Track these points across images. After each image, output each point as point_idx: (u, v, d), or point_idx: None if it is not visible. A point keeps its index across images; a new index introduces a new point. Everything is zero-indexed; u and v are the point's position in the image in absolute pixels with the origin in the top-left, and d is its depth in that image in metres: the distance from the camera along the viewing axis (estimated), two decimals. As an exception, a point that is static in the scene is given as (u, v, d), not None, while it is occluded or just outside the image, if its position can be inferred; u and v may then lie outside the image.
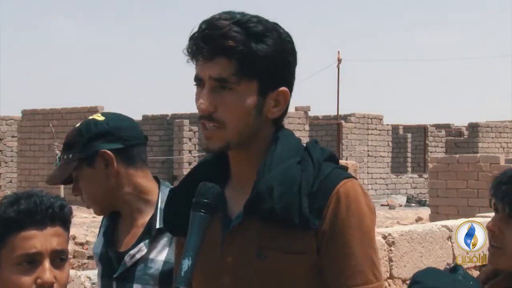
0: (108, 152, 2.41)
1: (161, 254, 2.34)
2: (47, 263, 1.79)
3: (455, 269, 2.15)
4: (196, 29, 1.74)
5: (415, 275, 2.16)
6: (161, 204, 2.38)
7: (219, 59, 1.70)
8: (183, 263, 1.62)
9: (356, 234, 1.71)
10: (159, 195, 2.42)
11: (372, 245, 1.73)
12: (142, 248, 2.36)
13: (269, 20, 1.77)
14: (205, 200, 1.67)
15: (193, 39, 1.74)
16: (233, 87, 1.72)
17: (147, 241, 2.36)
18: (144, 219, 2.41)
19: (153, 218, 2.39)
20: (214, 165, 1.85)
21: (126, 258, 2.36)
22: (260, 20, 1.74)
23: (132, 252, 2.36)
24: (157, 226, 2.36)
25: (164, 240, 2.36)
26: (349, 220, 1.71)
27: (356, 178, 1.78)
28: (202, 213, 1.67)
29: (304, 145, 1.81)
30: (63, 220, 1.85)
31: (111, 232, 2.45)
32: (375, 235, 1.83)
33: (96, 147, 2.40)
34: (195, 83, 1.76)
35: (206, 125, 1.74)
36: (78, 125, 2.48)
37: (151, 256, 2.35)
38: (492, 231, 2.07)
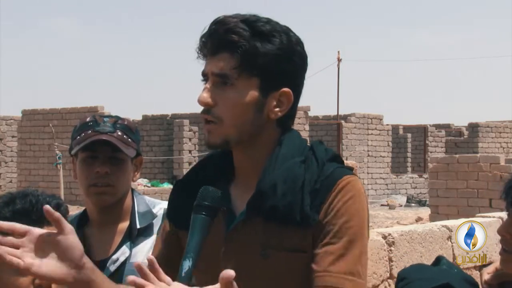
0: (142, 159, 2.50)
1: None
2: (44, 264, 1.77)
3: (437, 260, 2.23)
4: (207, 28, 1.76)
5: (401, 272, 2.22)
6: (137, 208, 2.40)
7: (222, 54, 1.72)
8: (183, 263, 1.63)
9: (348, 228, 1.69)
10: (134, 200, 2.45)
11: (363, 243, 1.71)
12: (125, 250, 2.36)
13: (281, 24, 1.78)
14: (206, 203, 1.68)
15: (201, 36, 1.76)
16: (234, 83, 1.72)
17: (128, 243, 2.37)
18: (123, 225, 2.42)
19: (132, 221, 2.39)
20: (220, 161, 1.85)
21: (109, 263, 2.35)
22: (270, 21, 1.76)
23: (114, 257, 2.35)
24: (138, 226, 2.36)
25: (148, 243, 2.37)
26: (343, 212, 1.70)
27: (357, 177, 1.79)
28: (203, 215, 1.67)
29: (309, 145, 1.82)
30: None
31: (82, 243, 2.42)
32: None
33: (139, 150, 2.47)
34: (202, 79, 1.77)
35: (206, 119, 1.75)
36: (127, 119, 2.47)
37: (139, 260, 2.34)
38: (504, 236, 2.05)
